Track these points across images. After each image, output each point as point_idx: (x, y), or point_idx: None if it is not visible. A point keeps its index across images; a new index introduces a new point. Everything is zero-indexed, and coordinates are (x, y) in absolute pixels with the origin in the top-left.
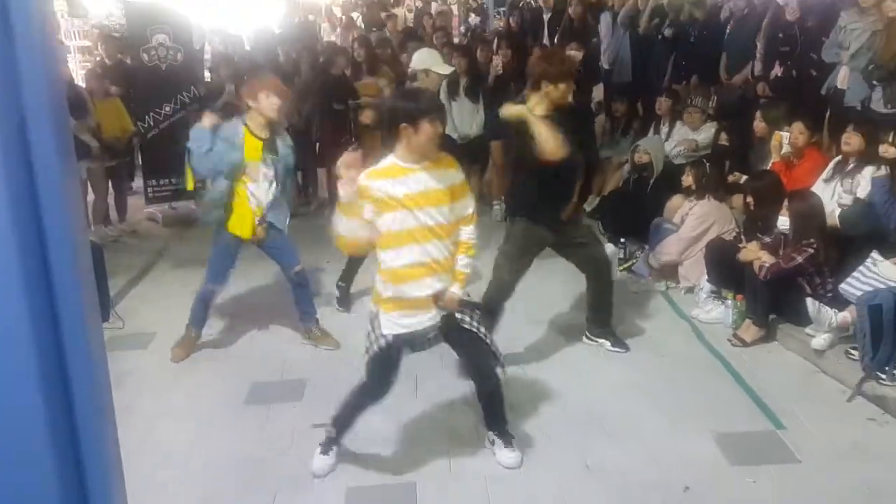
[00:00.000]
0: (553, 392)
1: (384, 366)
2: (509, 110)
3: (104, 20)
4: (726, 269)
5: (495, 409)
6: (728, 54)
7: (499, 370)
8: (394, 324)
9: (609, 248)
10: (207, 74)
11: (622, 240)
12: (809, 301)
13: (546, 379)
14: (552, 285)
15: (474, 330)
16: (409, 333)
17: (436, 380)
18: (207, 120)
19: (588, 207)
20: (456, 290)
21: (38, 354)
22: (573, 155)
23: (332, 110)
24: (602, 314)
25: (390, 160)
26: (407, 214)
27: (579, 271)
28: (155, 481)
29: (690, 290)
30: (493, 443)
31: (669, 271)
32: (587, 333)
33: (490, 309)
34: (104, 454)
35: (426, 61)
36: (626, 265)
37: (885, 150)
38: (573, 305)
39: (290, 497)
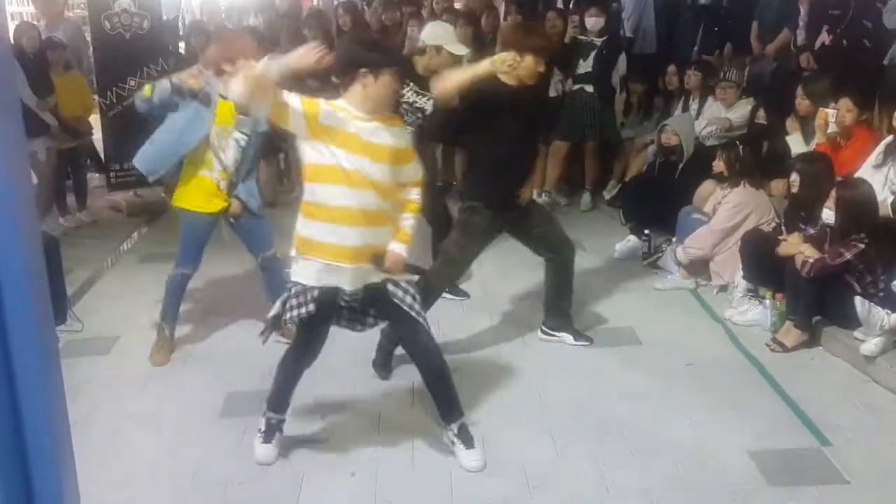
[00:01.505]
0: (564, 402)
1: (310, 327)
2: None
3: None
4: (764, 265)
5: (445, 393)
6: (760, 21)
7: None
8: (318, 276)
9: (631, 240)
10: (181, 45)
11: (646, 231)
12: (858, 301)
13: (555, 387)
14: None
15: (407, 308)
16: (332, 289)
17: None
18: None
19: (608, 195)
20: (398, 249)
21: None
22: (526, 136)
23: (309, 87)
24: (562, 304)
25: (341, 102)
26: (340, 154)
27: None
28: (116, 501)
29: (724, 288)
30: (452, 443)
31: (700, 267)
32: (543, 327)
33: (431, 293)
34: (57, 472)
35: (440, 37)
36: (650, 259)
37: None
38: (589, 302)
39: None
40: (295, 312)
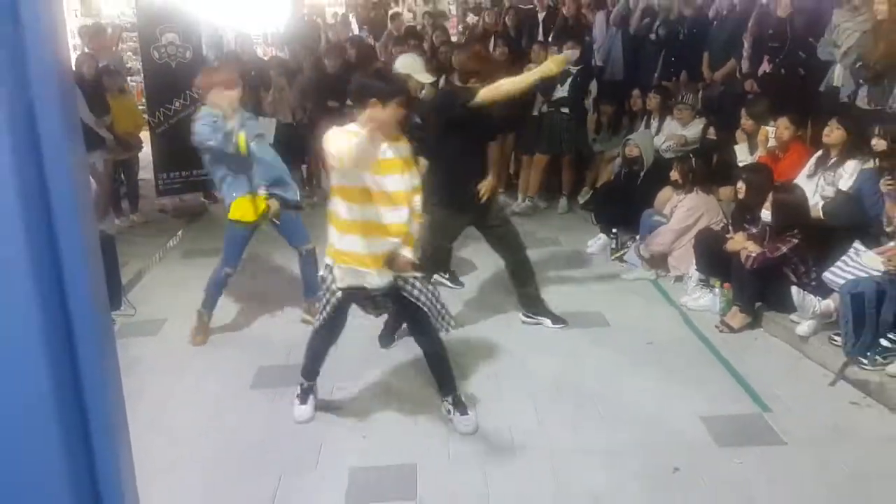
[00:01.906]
0: (544, 374)
1: (335, 315)
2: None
3: (116, 19)
4: (714, 259)
5: (442, 371)
6: (710, 52)
7: (443, 332)
8: (345, 276)
9: (601, 238)
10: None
11: (614, 230)
12: (794, 289)
13: (536, 361)
14: (536, 273)
15: (414, 300)
16: (359, 288)
17: None
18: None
19: (581, 199)
20: (407, 253)
21: (47, 342)
22: (483, 136)
23: (328, 108)
24: (528, 290)
25: (353, 127)
26: (365, 176)
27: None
28: (164, 461)
29: (680, 278)
30: (448, 412)
31: (659, 260)
32: (523, 312)
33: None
34: (114, 437)
35: (408, 66)
36: (617, 254)
37: (876, 143)
38: (565, 290)
39: (295, 478)
40: (327, 305)
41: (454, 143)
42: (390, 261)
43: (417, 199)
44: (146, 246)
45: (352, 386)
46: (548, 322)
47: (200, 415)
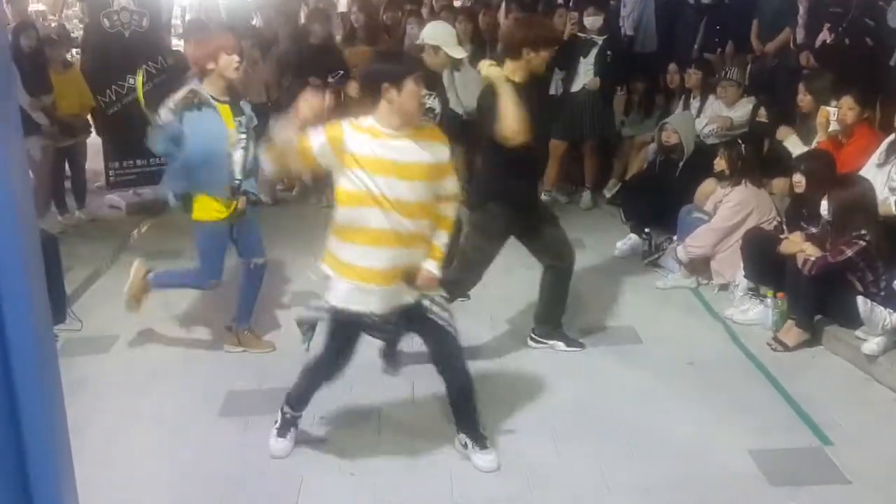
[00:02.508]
0: (565, 401)
1: (338, 341)
2: (489, 70)
3: None
4: (766, 264)
5: (467, 408)
6: (761, 19)
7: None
8: (348, 297)
9: (632, 239)
10: (178, 42)
11: (646, 230)
12: (860, 300)
13: (556, 386)
14: None
15: (442, 322)
16: (365, 313)
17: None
18: (167, 113)
19: (608, 193)
20: (431, 268)
21: None
22: (540, 133)
23: (310, 85)
24: (556, 310)
25: (370, 121)
26: (367, 177)
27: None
28: (115, 499)
29: (725, 287)
30: (465, 446)
31: (701, 266)
32: (532, 334)
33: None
34: (55, 473)
35: (440, 37)
36: (650, 258)
37: None
38: (589, 301)
39: None
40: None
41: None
42: (409, 277)
43: (451, 209)
44: (95, 248)
45: (336, 413)
46: (561, 346)
47: (158, 446)
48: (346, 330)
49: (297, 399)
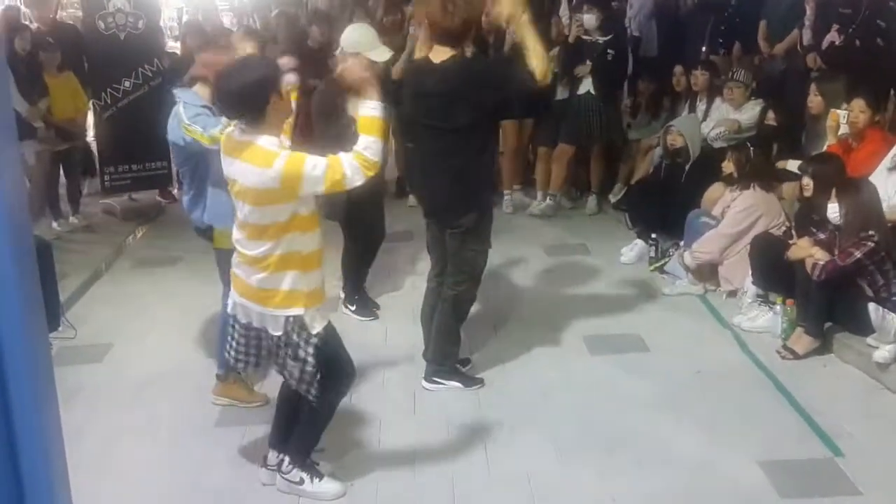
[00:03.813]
0: (569, 411)
1: (334, 363)
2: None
3: None
4: (775, 270)
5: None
6: (768, 21)
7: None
8: (321, 317)
9: (638, 244)
10: (174, 44)
11: (653, 235)
12: (871, 306)
13: (559, 395)
14: (560, 287)
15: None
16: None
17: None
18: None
19: (614, 198)
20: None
21: None
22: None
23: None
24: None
25: (271, 141)
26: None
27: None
28: None
29: (733, 293)
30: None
31: (708, 272)
32: (427, 373)
33: (465, 311)
34: (49, 483)
35: (357, 43)
36: (657, 264)
37: None
38: (594, 308)
39: None
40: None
41: (486, 132)
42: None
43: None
44: (90, 254)
45: (335, 423)
46: (456, 384)
47: (154, 456)
48: (332, 347)
49: (315, 440)
